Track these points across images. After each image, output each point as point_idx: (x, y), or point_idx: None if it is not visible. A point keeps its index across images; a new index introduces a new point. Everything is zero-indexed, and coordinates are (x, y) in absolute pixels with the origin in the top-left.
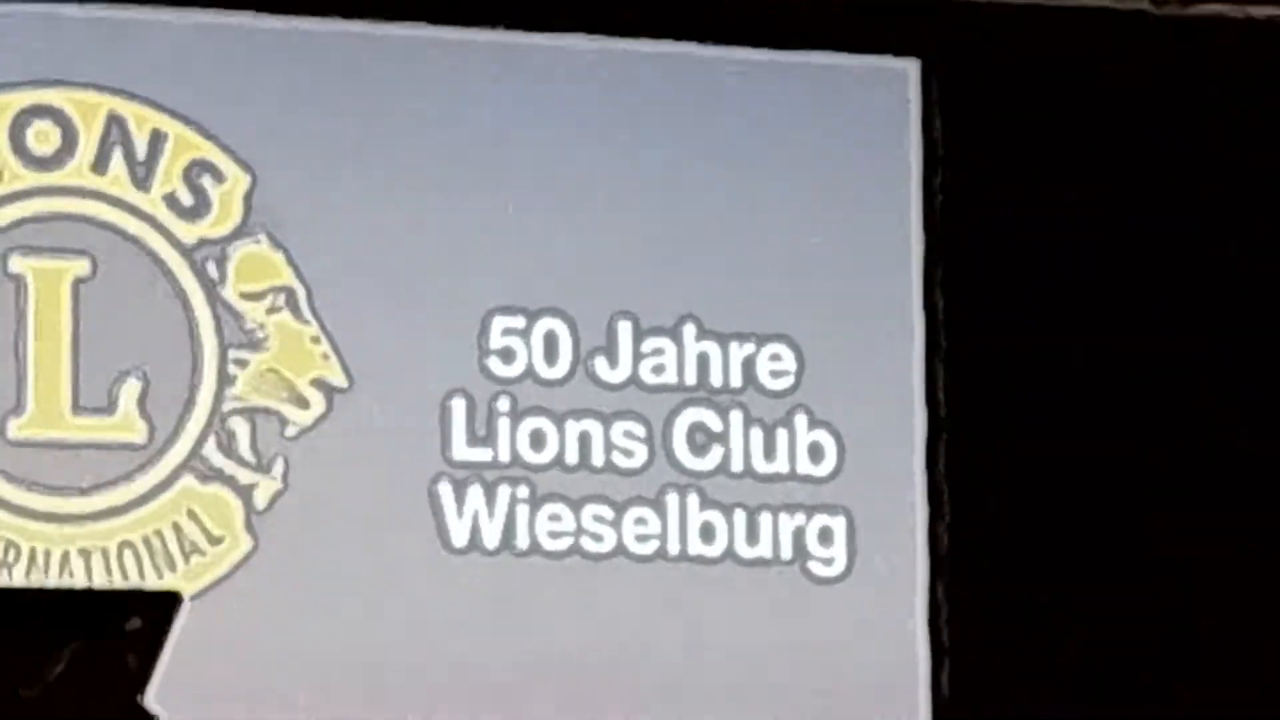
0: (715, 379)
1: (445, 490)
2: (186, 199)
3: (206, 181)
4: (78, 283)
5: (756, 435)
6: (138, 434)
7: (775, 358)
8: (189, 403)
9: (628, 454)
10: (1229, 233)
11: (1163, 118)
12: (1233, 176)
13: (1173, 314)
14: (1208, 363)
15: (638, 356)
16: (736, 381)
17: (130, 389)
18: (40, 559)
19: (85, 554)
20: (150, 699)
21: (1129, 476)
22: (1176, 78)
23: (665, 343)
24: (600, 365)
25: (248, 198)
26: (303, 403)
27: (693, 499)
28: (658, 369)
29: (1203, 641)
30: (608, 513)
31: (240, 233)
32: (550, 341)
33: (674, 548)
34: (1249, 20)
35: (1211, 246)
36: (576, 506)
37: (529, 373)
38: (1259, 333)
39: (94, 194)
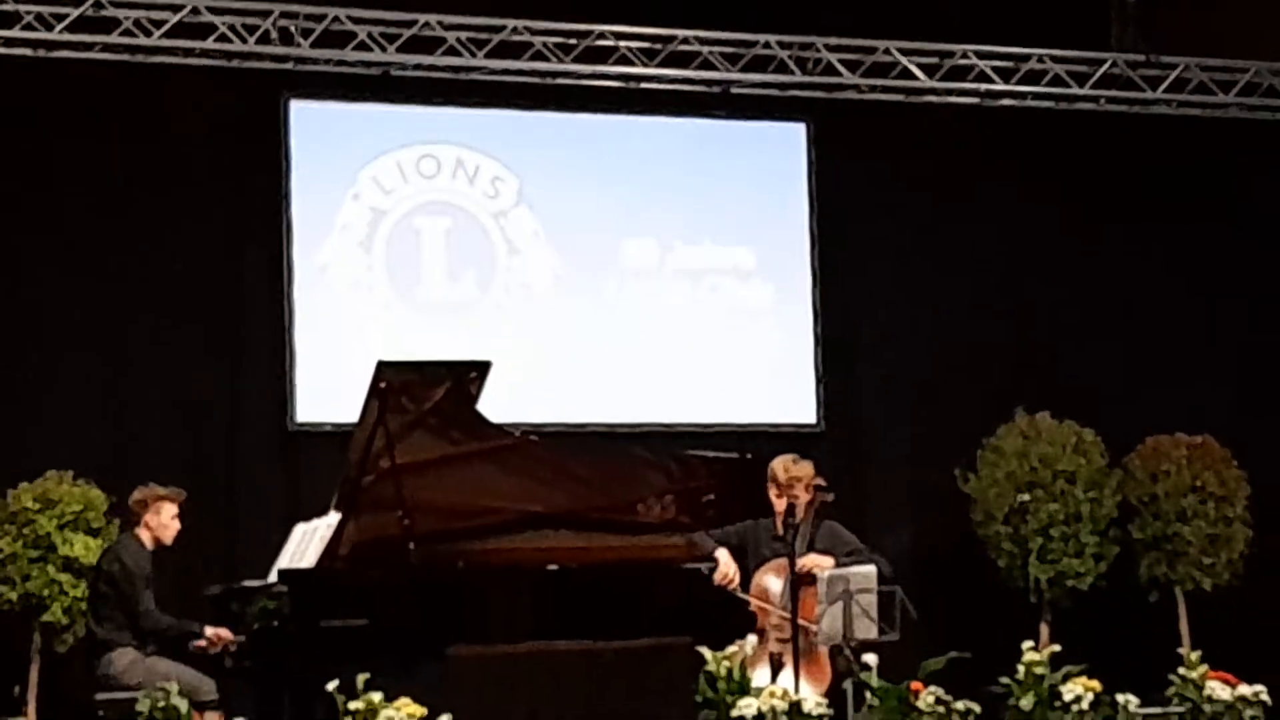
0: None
1: None
2: (490, 193)
3: (499, 184)
4: (446, 231)
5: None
6: None
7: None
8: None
9: None
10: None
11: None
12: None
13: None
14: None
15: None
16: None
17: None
18: None
19: None
20: None
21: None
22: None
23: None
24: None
25: (519, 191)
26: None
27: None
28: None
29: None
30: None
31: (515, 205)
32: None
33: None
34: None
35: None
36: None
37: None
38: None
39: (449, 191)
